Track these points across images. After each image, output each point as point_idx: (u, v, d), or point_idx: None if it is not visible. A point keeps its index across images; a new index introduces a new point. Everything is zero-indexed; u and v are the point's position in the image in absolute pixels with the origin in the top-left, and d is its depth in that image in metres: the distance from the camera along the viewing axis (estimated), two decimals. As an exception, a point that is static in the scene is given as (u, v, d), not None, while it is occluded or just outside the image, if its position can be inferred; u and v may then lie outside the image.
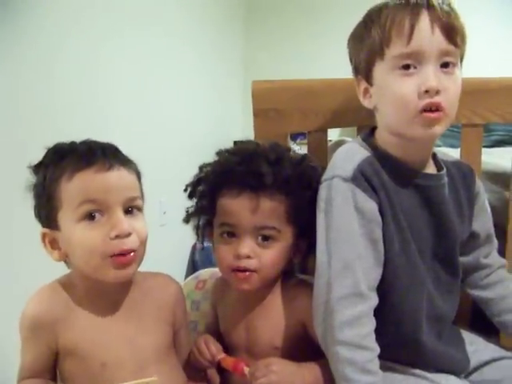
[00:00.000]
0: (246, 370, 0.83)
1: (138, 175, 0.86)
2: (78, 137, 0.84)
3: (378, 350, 0.79)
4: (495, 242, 0.99)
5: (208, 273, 1.17)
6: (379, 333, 0.79)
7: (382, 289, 0.82)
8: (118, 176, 0.80)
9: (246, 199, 0.85)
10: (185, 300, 0.96)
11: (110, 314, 0.84)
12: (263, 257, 0.85)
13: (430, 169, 0.89)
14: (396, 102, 0.81)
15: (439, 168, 0.90)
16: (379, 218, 0.82)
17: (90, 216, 0.77)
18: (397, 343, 0.85)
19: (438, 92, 0.78)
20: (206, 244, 0.96)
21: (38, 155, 0.82)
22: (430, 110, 0.78)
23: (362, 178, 0.81)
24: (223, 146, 0.94)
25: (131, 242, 0.79)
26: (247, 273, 0.85)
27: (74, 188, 0.77)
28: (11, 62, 1.42)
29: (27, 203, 0.82)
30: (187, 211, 0.94)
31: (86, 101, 1.76)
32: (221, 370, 0.92)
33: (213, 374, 0.94)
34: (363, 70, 0.86)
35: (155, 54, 2.27)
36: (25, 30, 1.46)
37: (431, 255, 0.88)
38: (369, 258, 0.80)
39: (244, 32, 3.55)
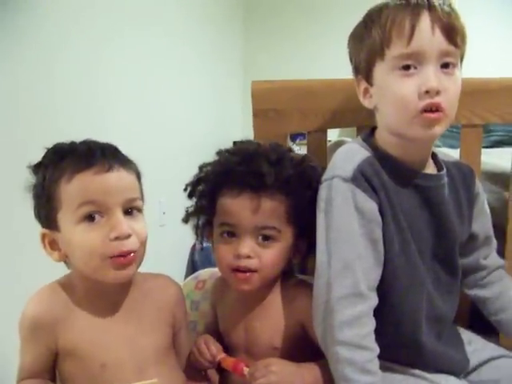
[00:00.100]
0: (246, 370, 0.83)
1: (138, 175, 0.85)
2: (78, 137, 0.84)
3: (377, 350, 0.79)
4: (494, 242, 0.99)
5: (207, 273, 1.17)
6: (379, 333, 0.79)
7: (382, 289, 0.82)
8: (117, 177, 0.79)
9: (246, 199, 0.85)
10: (185, 301, 0.96)
11: (109, 315, 0.84)
12: (263, 257, 0.85)
13: (430, 169, 0.89)
14: (396, 102, 0.81)
15: (439, 168, 0.90)
16: (379, 218, 0.82)
17: (89, 217, 0.77)
18: (396, 343, 0.85)
19: (438, 92, 0.78)
20: (205, 244, 0.96)
21: (37, 155, 0.82)
22: (430, 111, 0.78)
23: (362, 179, 0.81)
24: (223, 147, 0.94)
25: (131, 244, 0.79)
26: (248, 274, 0.85)
27: (74, 189, 0.77)
28: (11, 62, 1.42)
29: (27, 203, 0.82)
30: (187, 211, 0.94)
31: (85, 101, 1.76)
32: (220, 369, 0.92)
33: (212, 373, 0.94)
34: (363, 70, 0.86)
35: (155, 54, 2.28)
36: (25, 30, 1.46)
37: (431, 256, 0.88)
38: (369, 258, 0.80)
39: (244, 32, 3.56)
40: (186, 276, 1.65)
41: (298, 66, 3.08)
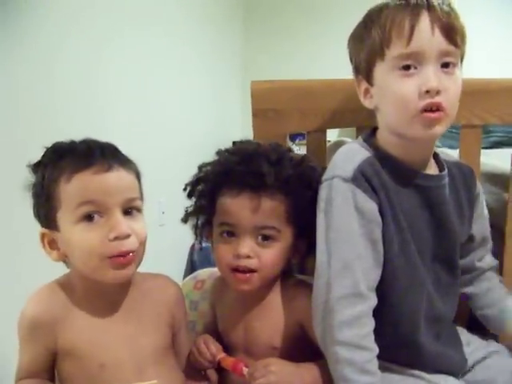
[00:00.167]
0: (245, 370, 0.83)
1: (138, 175, 0.85)
2: (78, 137, 0.84)
3: (377, 350, 0.79)
4: (490, 244, 0.99)
5: (206, 273, 1.17)
6: (378, 333, 0.80)
7: (381, 289, 0.82)
8: (116, 177, 0.79)
9: (246, 199, 0.85)
10: (184, 301, 0.95)
11: (108, 315, 0.84)
12: (263, 256, 0.85)
13: (432, 169, 0.89)
14: (396, 102, 0.81)
15: (441, 168, 0.90)
16: (379, 219, 0.82)
17: (88, 217, 0.77)
18: (395, 344, 0.85)
19: (438, 92, 0.78)
20: (204, 244, 0.96)
21: (37, 155, 0.82)
22: (431, 110, 0.78)
23: (362, 179, 0.81)
24: (222, 146, 0.94)
25: (130, 244, 0.78)
26: (248, 274, 0.85)
27: (73, 189, 0.77)
28: (11, 62, 1.42)
29: (27, 203, 0.82)
30: (186, 210, 0.94)
31: (85, 101, 1.76)
32: (220, 369, 0.92)
33: (211, 373, 0.94)
34: (364, 70, 0.86)
35: (155, 54, 2.28)
36: (25, 30, 1.46)
37: (431, 256, 0.88)
38: (368, 258, 0.80)
39: (243, 32, 3.56)
40: (185, 276, 1.64)
41: (298, 65, 3.07)
